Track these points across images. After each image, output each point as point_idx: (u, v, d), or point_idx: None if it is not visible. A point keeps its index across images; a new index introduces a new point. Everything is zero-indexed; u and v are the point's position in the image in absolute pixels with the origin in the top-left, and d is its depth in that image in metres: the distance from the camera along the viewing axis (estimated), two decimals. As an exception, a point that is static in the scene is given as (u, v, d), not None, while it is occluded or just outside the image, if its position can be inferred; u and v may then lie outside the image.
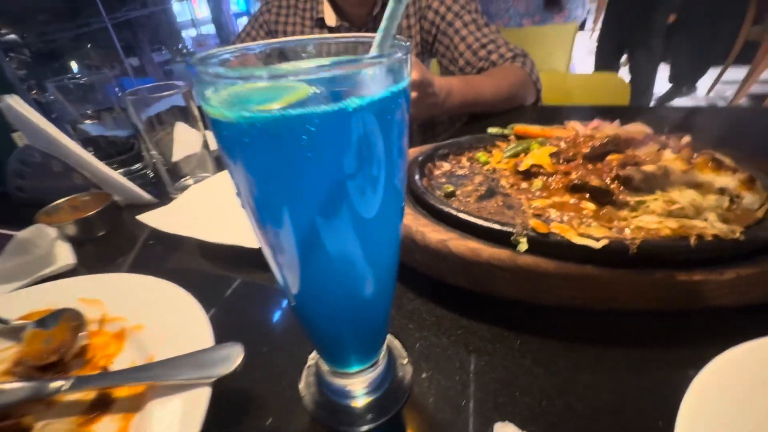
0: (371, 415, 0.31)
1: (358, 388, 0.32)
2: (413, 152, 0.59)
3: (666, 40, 2.94)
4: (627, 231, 0.37)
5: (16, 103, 0.61)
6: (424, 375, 0.35)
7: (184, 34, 5.86)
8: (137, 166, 0.78)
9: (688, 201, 0.37)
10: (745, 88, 3.24)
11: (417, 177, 0.49)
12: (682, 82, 3.47)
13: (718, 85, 3.61)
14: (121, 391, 0.33)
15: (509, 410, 0.31)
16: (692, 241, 0.34)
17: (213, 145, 0.88)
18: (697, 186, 0.42)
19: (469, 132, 0.60)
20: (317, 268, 0.23)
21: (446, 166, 0.55)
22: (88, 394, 0.34)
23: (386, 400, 0.32)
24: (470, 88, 0.88)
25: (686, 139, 0.50)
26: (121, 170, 0.76)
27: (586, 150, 0.49)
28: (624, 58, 3.14)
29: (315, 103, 0.17)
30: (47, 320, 0.40)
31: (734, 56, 3.29)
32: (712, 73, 3.62)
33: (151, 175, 0.79)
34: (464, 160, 0.56)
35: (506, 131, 0.61)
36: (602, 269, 0.34)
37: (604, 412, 0.30)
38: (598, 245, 0.34)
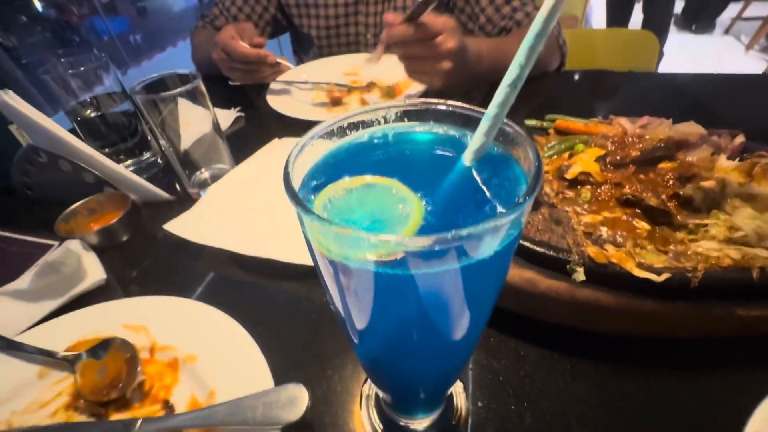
0: (434, 448, 0.33)
1: (420, 427, 0.33)
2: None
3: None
4: (684, 258, 0.36)
5: (11, 99, 0.55)
6: (479, 404, 0.36)
7: (156, -34, 5.27)
8: (147, 155, 0.74)
9: (751, 228, 0.36)
10: (763, 29, 3.05)
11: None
12: (698, 19, 3.25)
13: (736, 23, 3.40)
14: (189, 430, 0.34)
15: (567, 443, 0.32)
16: (755, 274, 0.33)
17: (224, 124, 0.83)
18: (755, 199, 0.41)
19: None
20: (403, 360, 0.22)
21: (484, 167, 0.52)
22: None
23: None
24: (500, 53, 0.81)
25: (739, 139, 0.48)
26: (131, 161, 0.72)
27: (636, 153, 0.47)
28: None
29: (430, 263, 0.14)
30: (98, 350, 0.40)
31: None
32: (732, 9, 3.39)
33: (162, 163, 0.75)
34: (502, 159, 0.53)
35: (545, 124, 0.57)
36: (662, 304, 0.34)
37: (659, 445, 0.32)
38: (659, 279, 0.34)
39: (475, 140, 0.18)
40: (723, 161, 0.44)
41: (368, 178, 0.18)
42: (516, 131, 0.18)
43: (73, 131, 0.67)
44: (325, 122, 0.20)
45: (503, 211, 0.14)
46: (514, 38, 0.87)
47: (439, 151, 0.21)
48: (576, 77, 0.93)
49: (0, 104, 0.56)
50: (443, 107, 0.21)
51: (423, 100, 0.21)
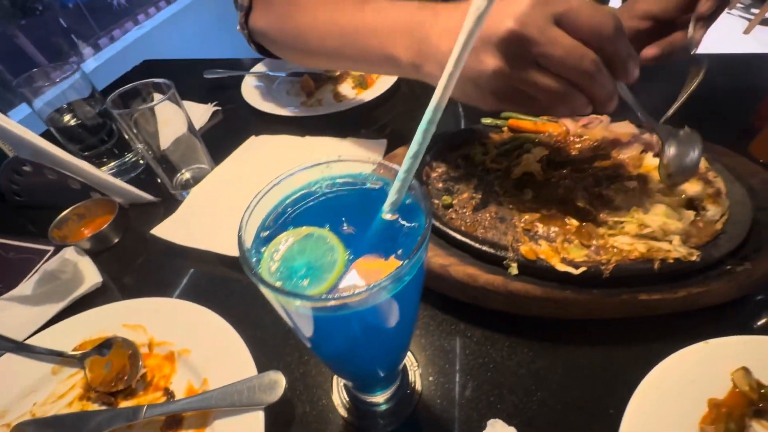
0: (391, 417, 0.40)
1: (381, 399, 0.40)
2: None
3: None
4: (603, 251, 0.42)
5: (-10, 114, 0.58)
6: (431, 378, 0.43)
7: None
8: (129, 156, 0.77)
9: (658, 225, 0.42)
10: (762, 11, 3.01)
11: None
12: None
13: None
14: (189, 413, 0.41)
15: (498, 408, 0.40)
16: (656, 265, 0.40)
17: (197, 123, 0.86)
18: (672, 193, 0.47)
19: (459, 122, 0.61)
20: (352, 360, 0.28)
21: (442, 166, 0.57)
22: (160, 416, 0.41)
23: (403, 404, 0.41)
24: None
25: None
26: (114, 163, 0.75)
27: (575, 152, 0.52)
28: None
29: (350, 306, 0.20)
30: (102, 348, 0.46)
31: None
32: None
33: (144, 162, 0.78)
34: (459, 158, 0.58)
35: (499, 122, 0.61)
36: (579, 293, 0.41)
37: (571, 406, 0.39)
38: (577, 272, 0.40)
39: (389, 197, 0.23)
40: (649, 159, 0.50)
41: (307, 230, 0.23)
42: (418, 192, 0.23)
43: (50, 136, 0.70)
44: (270, 183, 0.24)
45: (385, 280, 0.19)
46: None
47: (366, 200, 0.26)
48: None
49: (-20, 119, 0.58)
50: (371, 164, 0.25)
51: (355, 159, 0.25)
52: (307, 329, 0.23)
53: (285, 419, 0.41)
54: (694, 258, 0.40)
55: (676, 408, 0.36)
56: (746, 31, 2.92)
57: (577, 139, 0.53)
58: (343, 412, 0.41)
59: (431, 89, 0.21)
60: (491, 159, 0.56)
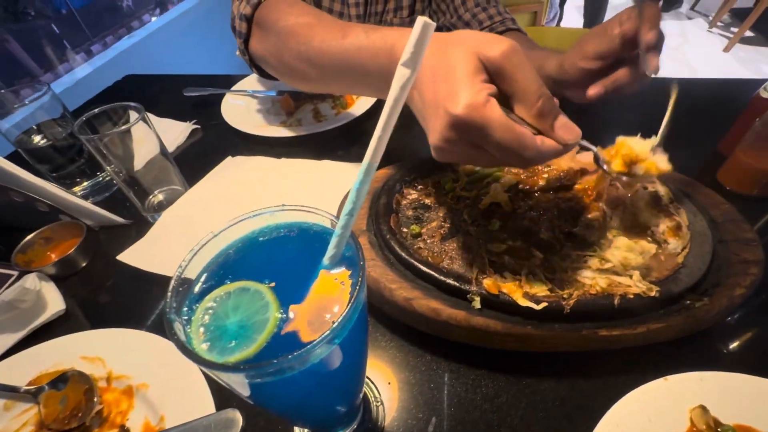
0: (352, 454, 0.40)
1: (340, 437, 0.40)
2: (382, 174, 0.60)
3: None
4: (566, 285, 0.43)
5: (-46, 137, 0.57)
6: (394, 414, 0.42)
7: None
8: (101, 176, 0.76)
9: (618, 260, 0.43)
10: (730, 2, 3.12)
11: (385, 216, 0.51)
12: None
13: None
14: (142, 450, 0.40)
15: (460, 445, 0.39)
16: (616, 301, 0.40)
17: (174, 142, 0.85)
18: (633, 226, 0.48)
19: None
20: (297, 412, 0.28)
21: (413, 194, 0.57)
22: (113, 453, 0.40)
23: (364, 442, 0.40)
24: None
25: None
26: (87, 183, 0.74)
27: (542, 182, 0.53)
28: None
29: (283, 370, 0.20)
30: (58, 382, 0.45)
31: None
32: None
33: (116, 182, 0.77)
34: (430, 185, 0.58)
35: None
36: (540, 328, 0.41)
37: (532, 443, 0.39)
38: (538, 307, 0.40)
39: (328, 251, 0.23)
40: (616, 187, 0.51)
41: (244, 283, 0.23)
42: (354, 246, 0.23)
43: (18, 157, 0.68)
44: (210, 234, 0.24)
45: (312, 344, 0.19)
46: None
47: (310, 245, 0.26)
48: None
49: (-56, 142, 0.57)
50: (316, 214, 0.25)
51: (291, 208, 0.25)
52: (244, 392, 0.23)
53: (243, 458, 0.40)
54: (653, 294, 0.40)
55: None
56: (726, 50, 3.00)
57: (545, 169, 0.54)
58: (302, 450, 0.40)
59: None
60: (461, 186, 0.57)
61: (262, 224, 0.26)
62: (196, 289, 0.24)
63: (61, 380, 0.45)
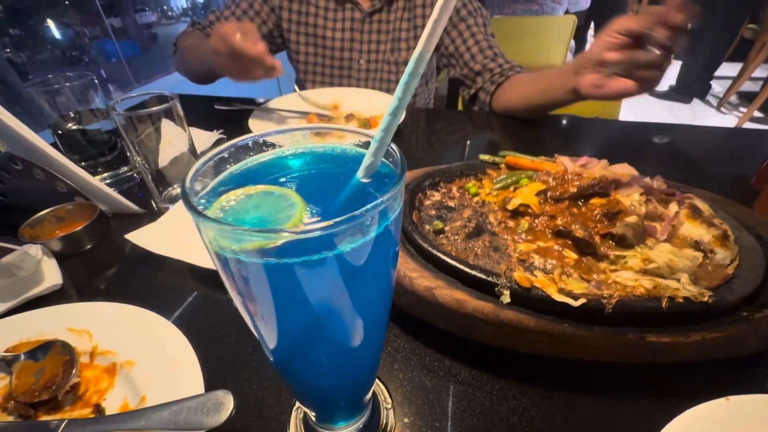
0: (355, 461, 0.33)
1: (344, 437, 0.34)
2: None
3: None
4: (605, 286, 0.39)
5: (-7, 108, 0.58)
6: (406, 420, 0.37)
7: (169, -5, 5.57)
8: (124, 169, 0.76)
9: (664, 261, 0.39)
10: (737, 85, 3.27)
11: (407, 212, 0.49)
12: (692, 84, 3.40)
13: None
14: (114, 433, 0.35)
15: (484, 461, 0.33)
16: (664, 303, 0.36)
17: (200, 147, 0.87)
18: (673, 236, 0.44)
19: (461, 158, 0.61)
20: (307, 354, 0.24)
21: (437, 195, 0.56)
22: (81, 435, 0.35)
23: (370, 447, 0.34)
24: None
25: (658, 181, 0.52)
26: (107, 174, 0.74)
27: (573, 189, 0.50)
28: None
29: (307, 252, 0.17)
30: (37, 352, 0.41)
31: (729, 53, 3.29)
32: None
33: (139, 178, 0.77)
34: (455, 189, 0.57)
35: (497, 159, 0.61)
36: (578, 327, 0.36)
37: (570, 465, 0.33)
38: (576, 303, 0.36)
39: (365, 160, 0.21)
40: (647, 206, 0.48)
41: (268, 187, 0.21)
42: (397, 158, 0.21)
43: (54, 145, 0.70)
44: (238, 139, 0.23)
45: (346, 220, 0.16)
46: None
47: (340, 169, 0.24)
48: (545, 120, 0.99)
49: (-18, 113, 0.59)
50: (346, 131, 0.24)
51: (329, 124, 0.24)
52: (255, 296, 0.19)
53: (227, 454, 0.34)
54: (705, 299, 0.36)
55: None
56: (738, 126, 3.09)
57: (576, 177, 0.52)
58: (297, 450, 0.34)
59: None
60: (486, 192, 0.55)
61: (295, 143, 0.24)
62: (215, 186, 0.21)
63: (40, 350, 0.41)
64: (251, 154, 0.24)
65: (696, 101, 3.54)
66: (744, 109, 3.15)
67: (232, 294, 0.21)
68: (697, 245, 0.43)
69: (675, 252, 0.41)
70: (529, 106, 0.92)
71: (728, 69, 3.50)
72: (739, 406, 0.33)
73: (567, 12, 2.28)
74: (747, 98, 3.34)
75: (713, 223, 0.45)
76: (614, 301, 0.36)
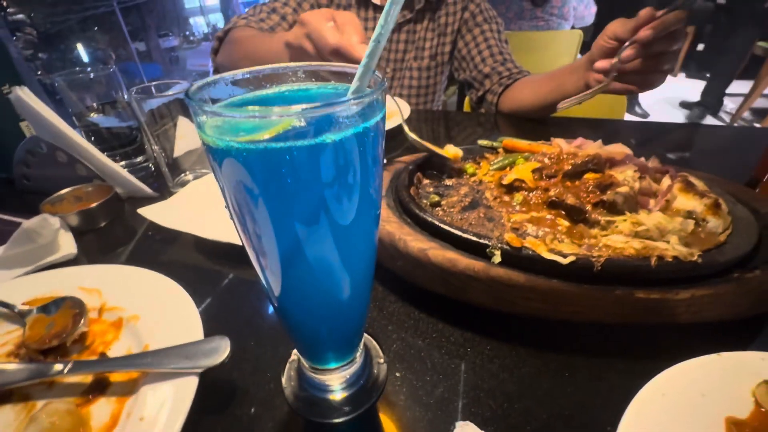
0: (346, 408, 0.34)
1: (335, 383, 0.35)
2: (406, 159, 0.61)
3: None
4: (595, 250, 0.39)
5: (25, 94, 0.63)
6: (397, 374, 0.37)
7: (191, 20, 5.87)
8: (140, 158, 0.80)
9: (653, 223, 0.40)
10: (749, 101, 3.25)
11: (405, 186, 0.51)
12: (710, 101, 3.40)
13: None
14: (117, 377, 0.36)
15: (472, 411, 0.34)
16: (653, 261, 0.37)
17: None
18: (669, 208, 0.45)
19: (460, 144, 0.63)
20: (297, 271, 0.25)
21: (434, 175, 0.57)
22: (86, 378, 0.36)
23: (361, 396, 0.35)
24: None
25: (653, 161, 0.53)
26: (124, 162, 0.79)
27: (567, 167, 0.52)
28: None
29: (295, 138, 0.19)
30: (50, 306, 0.43)
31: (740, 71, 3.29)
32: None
33: (153, 168, 0.81)
34: (453, 171, 0.58)
35: (495, 144, 0.63)
36: (568, 284, 0.37)
37: (559, 417, 0.33)
38: (565, 261, 0.37)
39: (352, 85, 0.23)
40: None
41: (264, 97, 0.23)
42: (380, 77, 0.23)
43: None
44: (238, 71, 0.25)
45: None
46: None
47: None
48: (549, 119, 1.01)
49: (14, 99, 0.63)
50: (335, 68, 0.26)
51: (320, 63, 0.26)
52: (246, 195, 0.21)
53: (223, 398, 0.36)
54: (695, 258, 0.37)
55: (685, 424, 0.30)
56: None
57: (571, 156, 0.53)
58: (291, 397, 0.35)
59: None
60: (484, 172, 0.56)
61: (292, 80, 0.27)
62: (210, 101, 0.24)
63: (53, 305, 0.43)
64: (251, 88, 0.26)
65: (709, 118, 3.52)
66: (758, 125, 3.12)
67: (230, 203, 0.23)
68: (689, 215, 0.44)
69: (665, 218, 0.41)
70: (538, 105, 0.93)
71: (740, 86, 3.49)
72: (730, 362, 0.33)
73: (573, 27, 2.33)
74: (760, 114, 3.32)
75: (706, 194, 0.45)
76: (603, 260, 0.37)
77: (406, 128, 0.59)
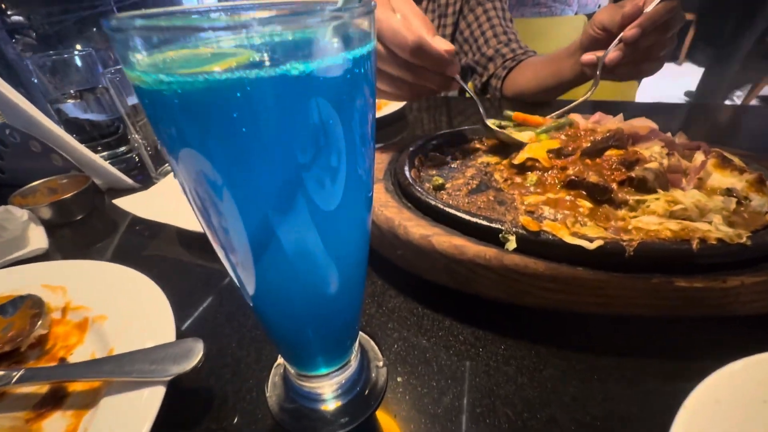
0: (340, 420, 0.29)
1: (327, 391, 0.30)
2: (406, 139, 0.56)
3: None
4: (625, 233, 0.34)
5: (-8, 79, 0.58)
6: (399, 379, 0.32)
7: (189, 19, 5.84)
8: (123, 149, 0.76)
9: (691, 202, 0.35)
10: (757, 89, 3.17)
11: (406, 168, 0.46)
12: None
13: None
14: (77, 386, 0.31)
15: (487, 422, 0.29)
16: (694, 245, 0.31)
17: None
18: (703, 186, 0.40)
19: (464, 124, 0.57)
20: (272, 265, 0.20)
21: (437, 156, 0.52)
22: (41, 388, 0.32)
23: (357, 405, 0.30)
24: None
25: (681, 137, 0.48)
26: (106, 153, 0.74)
27: (586, 144, 0.46)
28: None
29: (249, 68, 0.14)
30: (7, 307, 0.38)
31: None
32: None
33: (137, 159, 0.76)
34: (457, 153, 0.53)
35: (504, 122, 0.58)
36: (595, 272, 0.32)
37: (590, 429, 0.28)
38: (591, 246, 0.32)
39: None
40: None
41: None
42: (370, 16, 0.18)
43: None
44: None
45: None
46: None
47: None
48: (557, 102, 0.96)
49: (-19, 84, 0.59)
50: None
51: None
52: (207, 160, 0.16)
53: (198, 409, 0.31)
54: (743, 240, 0.31)
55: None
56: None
57: (589, 132, 0.48)
58: (275, 407, 0.30)
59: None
60: (492, 151, 0.51)
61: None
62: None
63: (10, 305, 0.38)
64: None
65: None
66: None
67: (179, 176, 0.18)
68: (728, 192, 0.38)
69: (704, 196, 0.36)
70: (539, 89, 0.89)
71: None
72: (791, 361, 0.28)
73: (576, 14, 2.26)
74: (769, 101, 3.24)
75: (746, 170, 0.40)
76: (636, 244, 0.32)
77: (484, 116, 0.54)
